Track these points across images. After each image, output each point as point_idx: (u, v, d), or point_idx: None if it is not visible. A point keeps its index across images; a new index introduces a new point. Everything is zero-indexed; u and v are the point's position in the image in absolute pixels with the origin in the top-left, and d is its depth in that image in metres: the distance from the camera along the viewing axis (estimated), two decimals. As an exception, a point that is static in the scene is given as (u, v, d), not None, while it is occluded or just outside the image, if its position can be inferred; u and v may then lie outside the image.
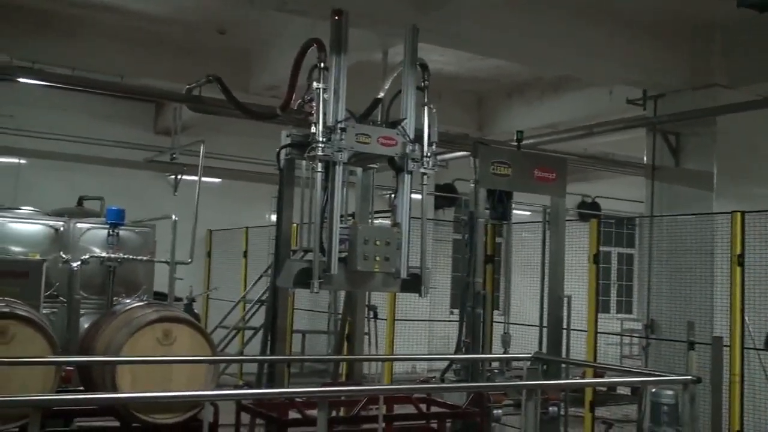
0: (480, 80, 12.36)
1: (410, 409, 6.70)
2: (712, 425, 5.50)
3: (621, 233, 15.85)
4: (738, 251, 7.61)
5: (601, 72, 9.44)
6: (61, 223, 9.45)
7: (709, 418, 6.89)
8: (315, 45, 5.58)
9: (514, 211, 14.02)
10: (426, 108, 5.92)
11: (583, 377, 9.75)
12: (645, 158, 9.92)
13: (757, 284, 7.97)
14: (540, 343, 9.80)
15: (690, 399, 4.78)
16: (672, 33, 9.17)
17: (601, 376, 8.62)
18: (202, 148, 11.45)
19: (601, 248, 15.60)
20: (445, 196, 14.03)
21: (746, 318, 7.79)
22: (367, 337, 8.94)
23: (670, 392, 7.04)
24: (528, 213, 14.60)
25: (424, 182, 5.90)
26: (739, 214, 7.67)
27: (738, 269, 7.61)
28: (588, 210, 15.15)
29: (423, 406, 6.70)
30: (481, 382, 7.04)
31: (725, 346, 7.44)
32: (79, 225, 9.47)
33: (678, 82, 9.30)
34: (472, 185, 7.50)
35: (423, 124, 5.88)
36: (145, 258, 9.47)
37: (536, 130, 11.15)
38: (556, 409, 7.42)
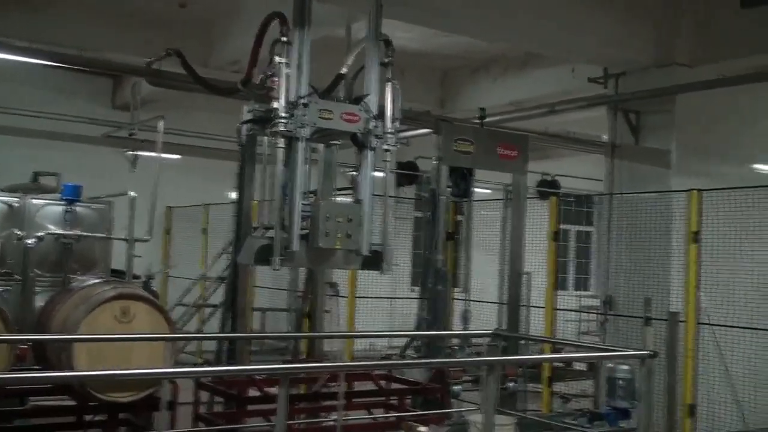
0: (444, 57, 12.32)
1: (371, 386, 6.73)
2: (667, 399, 5.60)
3: (580, 211, 15.99)
4: (694, 228, 7.73)
5: (566, 49, 9.46)
6: (16, 199, 9.24)
7: (664, 392, 7.02)
8: (277, 19, 5.51)
9: (475, 189, 14.14)
10: (389, 84, 5.89)
11: (541, 353, 9.85)
12: (605, 136, 10.00)
13: (713, 261, 8.11)
14: (499, 319, 9.90)
15: (647, 374, 4.85)
16: (635, 12, 9.21)
17: (560, 352, 8.75)
18: (161, 123, 11.26)
19: (561, 226, 15.79)
20: (407, 173, 13.99)
21: (701, 294, 7.94)
22: (328, 314, 8.93)
23: (625, 367, 7.15)
24: (489, 191, 14.65)
25: (387, 159, 5.88)
26: (695, 192, 7.79)
27: (694, 246, 7.74)
28: (548, 188, 15.23)
29: (383, 383, 6.74)
30: (441, 359, 7.09)
31: (681, 321, 7.57)
32: (34, 201, 9.26)
33: (639, 61, 9.36)
34: (435, 162, 7.51)
35: (386, 101, 5.84)
36: (102, 235, 9.32)
37: (500, 108, 11.15)
38: (514, 384, 7.52)
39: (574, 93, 10.39)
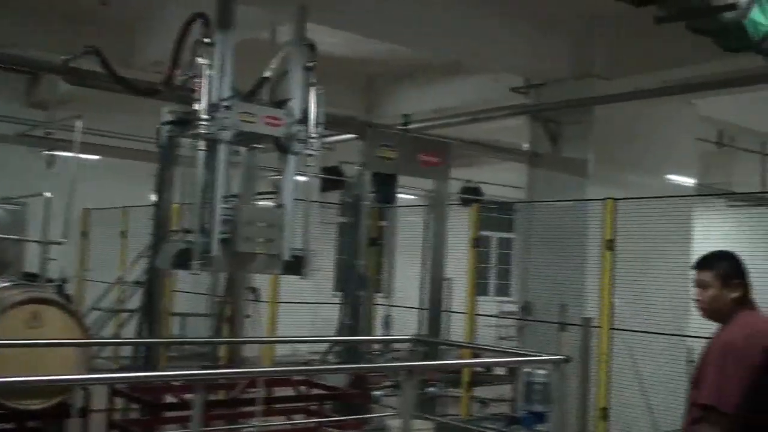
0: (370, 63, 12.37)
1: (292, 392, 6.70)
2: (580, 402, 5.75)
3: (502, 218, 16.27)
4: (609, 236, 7.96)
5: (488, 59, 9.61)
6: (-75, 199, 8.90)
7: (577, 396, 7.20)
8: (200, 20, 5.44)
9: (400, 195, 14.22)
10: (313, 89, 5.88)
11: (462, 358, 9.98)
12: (526, 145, 10.21)
13: (627, 268, 8.36)
14: (421, 325, 9.97)
15: (559, 378, 4.97)
16: (554, 25, 9.44)
17: (479, 357, 8.86)
18: (79, 123, 10.95)
19: (482, 232, 16.01)
20: (332, 178, 13.98)
21: (615, 300, 8.17)
22: (248, 319, 8.84)
23: (542, 372, 7.32)
24: (414, 197, 14.76)
25: (310, 164, 5.87)
26: (610, 200, 8.03)
27: (608, 253, 7.97)
28: (471, 195, 15.44)
29: (304, 389, 6.71)
30: (360, 364, 7.10)
31: (594, 326, 7.77)
32: (-57, 201, 8.94)
33: (558, 73, 9.60)
34: (358, 168, 7.54)
35: (309, 105, 5.84)
36: (14, 237, 9.03)
37: (424, 115, 11.26)
38: (434, 389, 7.60)
39: (497, 102, 10.57)
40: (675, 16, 5.46)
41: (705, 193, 12.35)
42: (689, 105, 10.31)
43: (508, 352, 7.09)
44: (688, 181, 10.37)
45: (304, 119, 5.78)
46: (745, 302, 3.50)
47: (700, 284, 3.53)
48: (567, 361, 5.05)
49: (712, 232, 9.94)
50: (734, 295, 3.47)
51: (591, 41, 9.52)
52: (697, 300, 3.55)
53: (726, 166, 13.77)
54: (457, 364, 7.94)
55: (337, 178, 14.63)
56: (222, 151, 5.35)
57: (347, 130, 10.63)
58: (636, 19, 8.16)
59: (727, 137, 12.90)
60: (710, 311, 3.54)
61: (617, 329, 8.21)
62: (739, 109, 11.27)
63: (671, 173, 10.22)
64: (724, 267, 3.52)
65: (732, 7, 5.29)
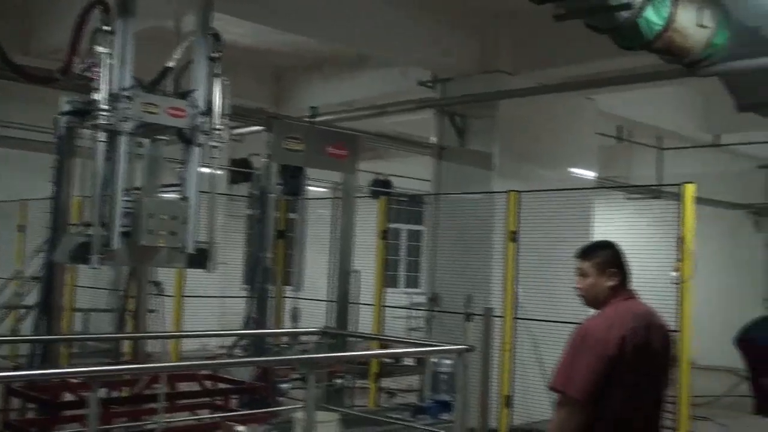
0: (278, 54, 12.27)
1: (197, 387, 6.60)
2: (481, 390, 5.88)
3: (411, 211, 16.44)
4: (512, 228, 8.16)
5: (396, 53, 9.68)
6: None
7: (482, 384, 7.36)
8: (99, 6, 5.28)
9: (311, 187, 14.17)
10: (218, 79, 5.79)
11: (370, 350, 10.04)
12: (434, 138, 10.33)
13: (530, 259, 8.58)
14: (330, 317, 9.99)
15: (463, 367, 5.07)
16: (461, 20, 9.57)
17: (387, 349, 8.93)
18: (-29, 112, 10.50)
19: (392, 225, 16.12)
20: (240, 170, 13.81)
21: (519, 290, 8.39)
22: (152, 314, 8.67)
23: (448, 362, 7.44)
24: (325, 189, 14.74)
25: (214, 155, 5.79)
26: (513, 193, 8.23)
27: (512, 245, 8.16)
28: (381, 188, 15.53)
29: (209, 384, 6.63)
30: (265, 357, 7.07)
31: (497, 316, 7.95)
32: None
33: (464, 67, 9.74)
34: (265, 160, 7.48)
35: (214, 96, 5.75)
36: None
37: (332, 107, 11.25)
38: (341, 381, 7.63)
39: (405, 95, 10.66)
40: (572, 13, 5.61)
41: (605, 185, 12.78)
42: (590, 100, 10.65)
43: (413, 342, 7.18)
44: (589, 174, 10.71)
45: (208, 110, 5.68)
46: (621, 291, 3.61)
47: (580, 273, 3.68)
48: (469, 350, 5.15)
49: (611, 223, 10.30)
50: (610, 283, 3.59)
51: (496, 37, 9.71)
52: (577, 288, 3.69)
53: (624, 159, 14.28)
54: (359, 355, 7.98)
55: (245, 170, 14.48)
56: (123, 142, 5.21)
57: (254, 122, 10.53)
58: (539, 15, 8.36)
59: (626, 132, 13.37)
60: (588, 299, 3.67)
61: (521, 319, 8.44)
62: (637, 105, 11.71)
63: (573, 166, 10.53)
64: (601, 256, 3.64)
65: (627, 6, 5.47)
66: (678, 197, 7.07)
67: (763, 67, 7.26)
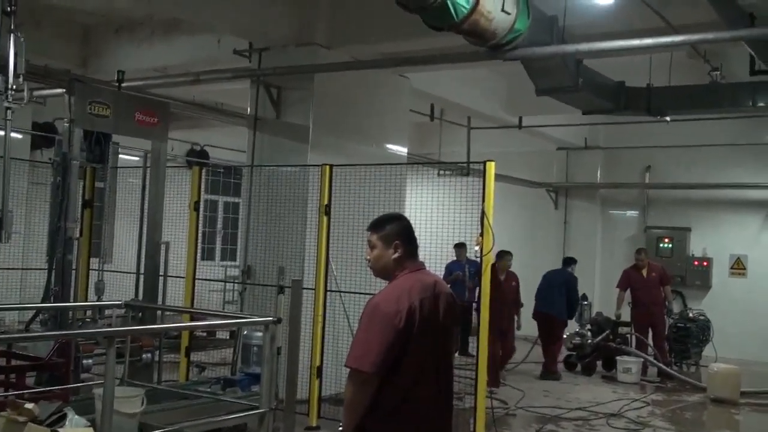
0: (86, 13, 11.59)
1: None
2: (289, 361, 5.95)
3: (228, 182, 16.17)
4: (326, 201, 8.25)
5: (210, 19, 9.41)
6: None
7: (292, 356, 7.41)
8: None
9: (123, 156, 13.57)
10: (12, 35, 5.42)
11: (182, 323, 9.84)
12: (249, 109, 10.19)
13: (341, 232, 8.72)
14: (138, 290, 9.68)
15: (270, 338, 5.09)
16: (279, -11, 9.47)
17: (199, 322, 8.78)
18: None
19: (209, 196, 15.80)
20: (44, 135, 12.99)
21: (331, 263, 8.51)
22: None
23: (259, 334, 7.43)
24: (137, 158, 14.18)
25: (9, 117, 5.43)
26: (327, 166, 8.30)
27: (325, 218, 8.25)
28: (196, 158, 15.17)
29: (3, 360, 6.25)
30: (62, 331, 6.75)
31: (308, 288, 8.03)
32: None
33: (282, 38, 9.65)
34: (67, 125, 7.09)
35: (8, 54, 5.38)
36: None
37: (144, 73, 10.80)
38: (149, 355, 7.42)
39: (220, 64, 10.41)
40: (385, -9, 5.71)
41: (417, 161, 13.18)
42: (404, 78, 10.90)
43: (222, 315, 7.11)
44: (402, 150, 10.99)
45: (3, 69, 5.32)
46: (407, 263, 3.66)
47: (370, 245, 3.71)
48: (277, 322, 5.17)
49: (423, 198, 10.64)
50: (396, 255, 3.64)
51: (314, 9, 9.68)
52: (366, 259, 3.73)
53: (437, 137, 14.79)
54: (160, 328, 7.79)
55: (50, 135, 13.64)
56: None
57: (60, 84, 9.93)
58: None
59: (438, 111, 13.83)
60: (376, 270, 3.72)
61: (332, 291, 8.57)
62: (449, 85, 12.14)
63: (387, 142, 10.76)
64: (387, 229, 3.68)
65: (436, -12, 5.66)
66: (482, 175, 7.41)
67: (560, 53, 7.78)
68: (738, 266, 15.20)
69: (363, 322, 3.47)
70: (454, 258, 13.35)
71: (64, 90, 7.47)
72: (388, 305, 3.46)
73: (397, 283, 3.62)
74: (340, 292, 8.82)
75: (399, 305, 3.45)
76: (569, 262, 12.98)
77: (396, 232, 3.69)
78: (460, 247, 13.12)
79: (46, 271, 7.43)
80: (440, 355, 3.65)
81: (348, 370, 3.46)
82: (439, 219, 8.85)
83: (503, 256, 11.64)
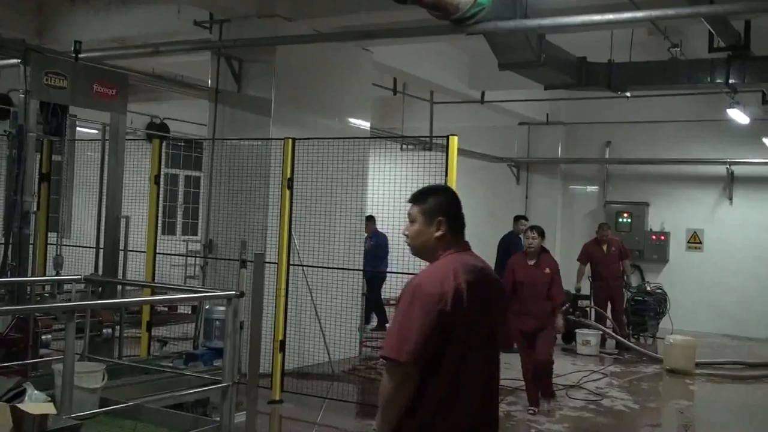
0: (40, -19, 11.32)
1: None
2: (251, 335, 5.94)
3: (189, 156, 15.98)
4: (288, 175, 8.20)
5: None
6: None
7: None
8: None
9: (81, 128, 13.33)
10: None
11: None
12: (210, 82, 10.06)
13: (304, 206, 8.69)
14: (97, 265, 9.56)
15: (233, 312, 5.06)
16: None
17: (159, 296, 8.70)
18: None
19: (170, 170, 15.60)
20: (-1, 107, 12.70)
21: (294, 237, 8.48)
22: None
23: (221, 308, 7.38)
24: (96, 131, 13.94)
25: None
26: (290, 140, 8.25)
27: (287, 192, 8.21)
28: (157, 131, 14.94)
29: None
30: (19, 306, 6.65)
31: (271, 262, 8.00)
32: None
33: (244, 9, 9.52)
34: (22, 96, 6.94)
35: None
36: None
37: (102, 44, 10.59)
38: (110, 330, 7.35)
39: (180, 35, 10.25)
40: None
41: (379, 135, 13.15)
42: (367, 52, 10.84)
43: (186, 289, 7.05)
44: (365, 124, 10.95)
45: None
46: (452, 243, 3.22)
47: (410, 218, 3.28)
48: (239, 296, 5.15)
49: (386, 173, 10.63)
50: (438, 233, 3.20)
51: (276, -19, 9.56)
52: (404, 234, 3.30)
53: (399, 112, 14.75)
54: (119, 302, 7.71)
55: (5, 107, 13.34)
56: None
57: (13, 54, 9.67)
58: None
59: (401, 85, 13.79)
60: (415, 248, 3.27)
61: (295, 265, 8.55)
62: (412, 59, 12.10)
63: (350, 116, 10.72)
64: (430, 202, 3.23)
65: (399, -41, 5.61)
66: (445, 149, 7.42)
67: (522, 28, 7.79)
68: (694, 240, 15.49)
69: (401, 306, 3.02)
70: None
71: (19, 60, 7.29)
72: (431, 286, 3.01)
73: (441, 263, 3.16)
74: (303, 266, 8.81)
75: (444, 287, 3.01)
76: (515, 220, 13.14)
77: (439, 207, 3.22)
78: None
79: (2, 245, 7.30)
80: (488, 344, 3.22)
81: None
82: (402, 194, 8.86)
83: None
